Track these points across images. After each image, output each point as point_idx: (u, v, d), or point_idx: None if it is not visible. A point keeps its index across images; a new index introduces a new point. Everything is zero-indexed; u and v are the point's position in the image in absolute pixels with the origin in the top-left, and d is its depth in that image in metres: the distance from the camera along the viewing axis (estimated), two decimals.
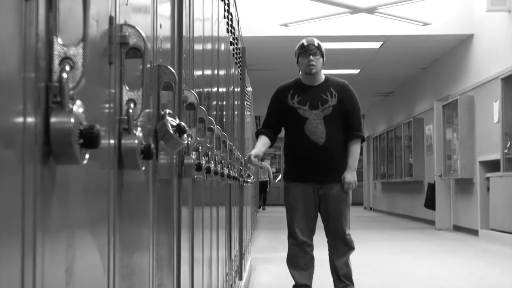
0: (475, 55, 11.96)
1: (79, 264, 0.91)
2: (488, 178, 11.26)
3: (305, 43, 4.72)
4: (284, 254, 4.86)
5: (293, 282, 4.79)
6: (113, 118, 1.10)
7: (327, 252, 4.80)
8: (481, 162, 11.53)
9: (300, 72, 4.81)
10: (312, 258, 4.73)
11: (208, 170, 2.23)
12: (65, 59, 0.77)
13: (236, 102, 5.52)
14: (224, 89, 3.98)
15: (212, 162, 2.44)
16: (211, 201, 2.92)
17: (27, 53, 0.71)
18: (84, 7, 0.79)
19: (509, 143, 10.08)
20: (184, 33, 1.94)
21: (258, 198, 21.30)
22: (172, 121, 1.41)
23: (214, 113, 3.06)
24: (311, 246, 4.70)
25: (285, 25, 11.63)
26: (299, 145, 4.67)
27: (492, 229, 10.98)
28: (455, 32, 11.87)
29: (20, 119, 0.70)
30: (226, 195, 4.16)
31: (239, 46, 5.74)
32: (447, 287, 6.27)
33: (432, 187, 14.02)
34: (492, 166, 11.03)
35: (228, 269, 4.07)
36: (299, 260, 4.69)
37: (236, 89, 5.50)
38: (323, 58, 4.75)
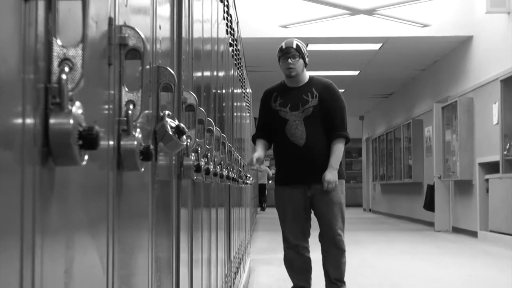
0: (474, 56, 11.97)
1: (78, 266, 0.91)
2: (487, 180, 11.26)
3: (283, 46, 4.68)
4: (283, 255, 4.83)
5: (291, 284, 4.78)
6: (112, 119, 1.10)
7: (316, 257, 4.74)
8: (480, 164, 11.53)
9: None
10: (309, 260, 4.68)
11: (207, 171, 2.23)
12: (65, 60, 0.77)
13: (235, 104, 5.51)
14: (224, 91, 3.98)
15: (211, 163, 2.44)
16: (210, 203, 2.91)
17: (26, 54, 0.71)
18: (83, 8, 0.79)
19: (508, 144, 10.08)
20: (183, 34, 1.94)
21: (257, 200, 21.30)
22: (171, 123, 1.41)
23: (213, 114, 3.06)
24: (306, 248, 4.66)
25: (285, 26, 11.63)
26: (282, 148, 4.66)
27: (491, 231, 10.97)
28: (455, 33, 11.87)
29: (19, 120, 0.70)
30: (225, 196, 4.16)
31: (239, 47, 5.74)
32: None
33: (431, 189, 14.01)
34: (491, 167, 11.03)
35: (227, 270, 4.07)
36: (295, 264, 4.66)
37: (235, 91, 5.50)
38: (303, 59, 4.68)
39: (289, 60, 4.63)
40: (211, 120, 2.42)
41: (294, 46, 4.65)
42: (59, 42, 0.77)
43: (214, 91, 3.18)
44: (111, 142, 1.09)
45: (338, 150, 4.63)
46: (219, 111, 3.52)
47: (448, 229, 13.50)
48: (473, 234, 11.78)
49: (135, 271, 1.32)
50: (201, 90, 2.51)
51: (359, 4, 11.52)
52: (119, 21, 1.15)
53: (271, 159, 28.88)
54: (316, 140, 4.59)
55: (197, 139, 2.03)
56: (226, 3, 4.11)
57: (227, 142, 3.39)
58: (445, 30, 11.76)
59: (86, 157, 0.80)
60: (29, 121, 0.72)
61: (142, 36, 1.15)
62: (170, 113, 1.44)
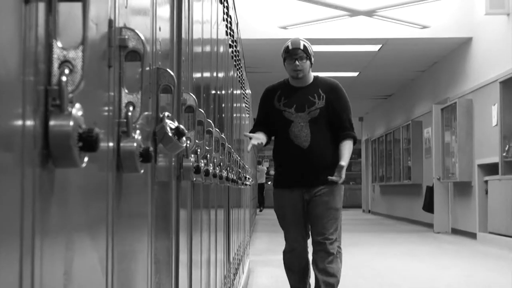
0: (473, 58, 11.97)
1: (77, 267, 0.91)
2: (486, 181, 11.26)
3: (290, 47, 4.49)
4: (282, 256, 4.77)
5: (290, 285, 4.71)
6: (112, 121, 1.10)
7: None
8: (480, 165, 11.53)
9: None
10: (307, 262, 4.57)
11: (206, 172, 2.23)
12: (65, 62, 0.77)
13: (235, 105, 5.52)
14: (223, 92, 3.98)
15: (211, 164, 2.44)
16: (209, 204, 2.92)
17: (27, 56, 0.71)
18: (83, 10, 0.79)
19: (507, 146, 10.09)
20: (183, 35, 1.94)
21: (256, 201, 21.31)
22: (171, 124, 1.41)
23: (213, 115, 3.06)
24: (305, 251, 4.55)
25: (284, 27, 11.63)
26: (284, 150, 4.49)
27: (490, 232, 10.98)
28: (454, 35, 11.88)
29: (20, 122, 0.70)
30: (224, 198, 4.16)
31: (238, 48, 5.74)
32: None
33: (430, 190, 14.02)
34: (490, 169, 11.03)
35: (226, 271, 4.07)
36: (294, 266, 4.56)
37: (235, 92, 5.50)
38: (310, 60, 4.51)
39: (296, 62, 4.46)
40: (211, 122, 2.42)
41: (301, 47, 4.47)
42: (59, 44, 0.77)
43: (213, 92, 3.18)
44: (111, 144, 1.09)
45: (349, 148, 4.47)
46: (219, 112, 3.52)
47: (447, 230, 13.51)
48: (472, 235, 11.78)
49: (135, 272, 1.32)
50: (201, 91, 2.51)
51: (358, 6, 11.53)
52: (119, 23, 1.15)
53: (270, 160, 28.89)
54: (320, 143, 4.44)
55: (197, 141, 2.03)
56: (225, 4, 4.11)
57: (226, 143, 3.39)
58: (445, 31, 11.77)
59: (86, 159, 0.80)
60: (29, 123, 0.72)
61: (142, 38, 1.15)
62: (170, 115, 1.44)
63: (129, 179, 1.22)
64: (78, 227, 0.94)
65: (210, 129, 2.37)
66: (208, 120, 2.34)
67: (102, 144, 0.98)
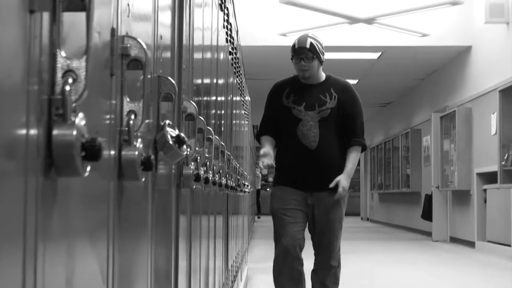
0: (473, 66, 11.99)
1: (79, 274, 0.92)
2: (485, 190, 11.27)
3: (296, 46, 4.25)
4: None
5: None
6: (114, 129, 1.10)
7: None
8: (478, 174, 11.54)
9: None
10: (300, 274, 4.20)
11: (206, 180, 2.24)
12: (68, 71, 0.77)
13: (234, 111, 5.52)
14: (223, 98, 3.98)
15: (211, 172, 2.44)
16: (208, 211, 2.92)
17: (31, 65, 0.72)
18: (87, 20, 0.80)
19: (506, 155, 10.10)
20: (184, 42, 1.95)
21: (255, 208, 21.30)
22: (172, 132, 1.42)
23: (213, 122, 3.07)
24: (299, 260, 4.18)
25: (284, 34, 11.65)
26: (290, 149, 4.24)
27: (488, 241, 10.98)
28: (453, 43, 11.90)
29: (23, 131, 0.71)
30: (223, 205, 4.16)
31: (238, 55, 5.75)
32: None
33: (429, 198, 14.03)
34: (489, 178, 11.04)
35: (224, 279, 4.07)
36: (285, 276, 4.17)
37: (234, 98, 5.51)
38: (319, 59, 4.26)
39: (302, 62, 4.22)
40: (211, 129, 2.42)
41: (308, 45, 4.21)
42: (63, 53, 0.78)
43: (213, 99, 3.18)
44: (112, 152, 1.10)
45: (356, 158, 4.27)
46: (218, 119, 3.52)
47: (445, 239, 13.50)
48: (471, 244, 11.78)
49: (135, 279, 1.32)
50: (201, 99, 2.52)
51: (358, 13, 11.55)
52: (122, 31, 1.15)
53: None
54: (328, 144, 4.21)
55: (197, 148, 2.04)
56: (226, 11, 4.12)
57: (226, 151, 3.39)
58: (444, 39, 11.80)
59: (88, 168, 0.80)
60: (32, 132, 0.72)
61: (144, 46, 1.15)
62: (171, 123, 1.45)
63: (130, 187, 1.22)
64: (80, 235, 0.94)
65: (210, 136, 2.38)
66: (208, 127, 2.34)
67: (104, 153, 0.98)
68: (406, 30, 11.69)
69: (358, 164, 28.76)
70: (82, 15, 0.81)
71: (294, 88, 4.33)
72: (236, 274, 5.42)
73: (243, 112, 7.36)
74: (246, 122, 8.82)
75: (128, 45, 1.13)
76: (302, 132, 4.21)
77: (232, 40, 4.72)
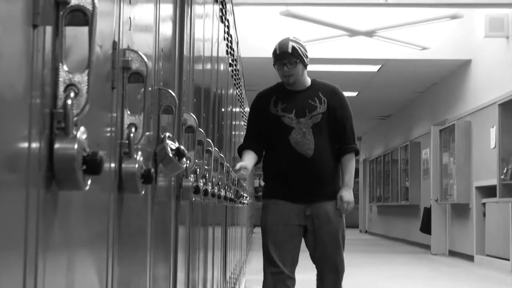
0: (472, 80, 12.02)
1: (78, 284, 0.92)
2: (484, 204, 11.26)
3: (277, 51, 4.04)
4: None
5: None
6: (114, 142, 1.11)
7: (308, 277, 4.15)
8: (477, 188, 11.53)
9: None
10: None
11: (205, 192, 2.24)
12: (70, 85, 0.78)
13: (234, 122, 5.53)
14: (223, 109, 3.99)
15: (210, 184, 2.44)
16: (207, 222, 2.92)
17: (34, 79, 0.72)
18: (90, 35, 0.80)
19: (505, 169, 10.10)
20: (184, 53, 1.96)
21: (253, 219, 21.26)
22: (172, 145, 1.42)
23: (212, 134, 3.07)
24: (292, 280, 3.94)
25: None
26: (284, 158, 3.98)
27: (487, 255, 10.96)
28: (453, 57, 11.93)
29: (25, 144, 0.71)
30: (222, 216, 4.16)
31: (238, 67, 5.76)
32: None
33: (428, 212, 14.01)
34: (488, 191, 11.03)
35: None
36: None
37: (234, 109, 5.52)
38: (303, 63, 4.04)
39: (285, 68, 4.01)
40: (210, 141, 2.43)
41: (290, 50, 4.01)
42: (65, 68, 0.78)
43: (213, 110, 3.19)
44: (113, 165, 1.10)
45: (352, 166, 4.08)
46: (218, 131, 3.53)
47: (444, 252, 13.48)
48: (470, 258, 11.76)
49: None
50: (201, 111, 2.53)
51: (358, 26, 11.58)
52: (123, 44, 1.16)
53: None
54: (324, 151, 4.00)
55: (196, 160, 2.04)
56: (226, 23, 4.14)
57: (225, 162, 3.40)
58: (444, 53, 11.82)
59: (89, 181, 0.81)
60: (34, 145, 0.73)
61: (145, 59, 1.16)
62: (171, 135, 1.45)
63: (130, 199, 1.22)
64: (80, 246, 0.94)
65: (210, 148, 2.38)
66: (208, 139, 2.35)
67: (105, 165, 0.99)
68: (406, 43, 11.71)
69: (357, 175, 28.55)
70: (84, 30, 0.81)
71: (280, 96, 4.10)
72: (234, 285, 5.41)
73: (242, 123, 7.37)
74: None
75: (130, 59, 1.14)
76: (296, 140, 3.98)
77: (232, 51, 4.73)
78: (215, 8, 3.33)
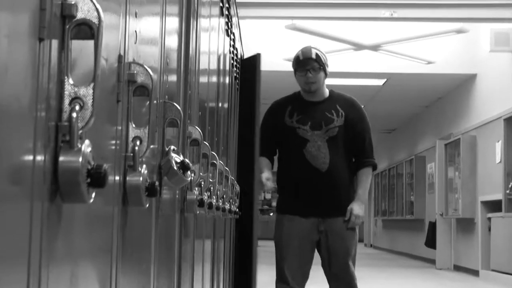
0: (478, 94, 12.01)
1: None
2: (489, 218, 11.22)
3: (300, 57, 4.03)
4: None
5: None
6: (119, 155, 1.11)
7: None
8: (483, 202, 11.50)
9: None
10: None
11: (210, 205, 2.24)
12: (75, 99, 0.78)
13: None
14: (228, 122, 3.99)
15: (214, 197, 2.44)
16: (212, 235, 2.91)
17: (39, 92, 0.73)
18: (95, 48, 0.81)
19: (511, 183, 10.07)
20: (190, 66, 1.97)
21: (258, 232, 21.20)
22: (176, 158, 1.43)
23: (217, 147, 3.07)
24: None
25: (289, 60, 11.68)
26: (298, 172, 3.92)
27: (493, 270, 10.91)
28: (459, 71, 11.93)
29: (30, 157, 0.71)
30: (227, 229, 4.15)
31: None
32: None
33: (433, 226, 13.97)
34: (493, 206, 11.00)
35: None
36: None
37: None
38: (324, 71, 4.02)
39: (309, 74, 3.95)
40: (215, 154, 2.43)
41: (314, 56, 3.99)
42: (70, 81, 0.79)
43: (218, 123, 3.19)
44: (117, 178, 1.10)
45: (367, 180, 4.00)
46: (223, 144, 3.53)
47: (449, 267, 13.43)
48: (475, 272, 11.71)
49: None
50: (206, 124, 2.53)
51: (363, 40, 11.60)
52: (129, 57, 1.17)
53: (273, 191, 28.86)
54: (339, 165, 3.91)
55: (201, 173, 2.04)
56: (232, 36, 4.15)
57: (230, 176, 3.40)
58: (449, 67, 11.82)
59: (93, 194, 0.81)
60: (39, 158, 0.73)
61: (151, 73, 1.16)
62: (175, 148, 1.46)
63: (134, 212, 1.22)
64: (84, 259, 0.94)
65: (214, 161, 2.38)
66: (213, 152, 2.35)
67: (109, 178, 0.99)
68: (411, 57, 11.72)
69: None
70: (90, 43, 0.82)
71: (296, 106, 4.02)
72: None
73: None
74: None
75: (135, 72, 1.14)
76: (311, 153, 3.91)
77: (238, 65, 4.74)
78: (221, 22, 3.35)
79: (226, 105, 3.82)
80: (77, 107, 0.78)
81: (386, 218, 20.82)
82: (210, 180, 2.34)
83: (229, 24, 3.85)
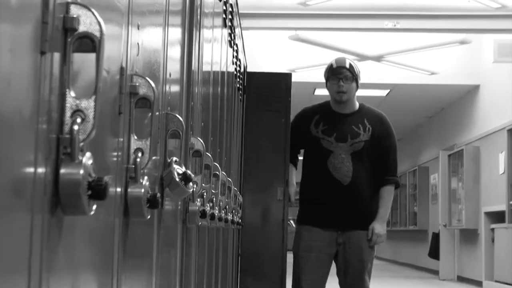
0: (481, 105, 12.01)
1: None
2: (493, 229, 11.20)
3: (334, 65, 4.02)
4: None
5: None
6: (121, 166, 1.11)
7: None
8: (486, 213, 11.48)
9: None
10: None
11: (212, 216, 2.24)
12: (77, 111, 0.79)
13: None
14: (231, 134, 3.99)
15: (217, 208, 2.44)
16: (215, 247, 2.91)
17: (41, 105, 0.73)
18: (97, 61, 0.81)
19: None
20: (192, 77, 1.97)
21: None
22: (178, 169, 1.43)
23: (220, 158, 3.07)
24: None
25: (293, 70, 11.70)
26: (319, 183, 3.91)
27: (496, 281, 10.87)
28: (462, 82, 11.93)
29: (31, 169, 0.72)
30: (230, 240, 4.15)
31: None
32: None
33: (436, 237, 13.94)
34: (497, 217, 10.98)
35: None
36: None
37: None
38: (357, 82, 4.05)
39: (341, 83, 3.94)
40: (218, 165, 2.43)
41: (347, 65, 4.02)
42: (72, 93, 0.79)
43: (221, 134, 3.19)
44: (119, 189, 1.10)
45: (390, 198, 3.97)
46: (226, 155, 3.53)
47: (453, 277, 13.39)
48: (478, 283, 11.67)
49: None
50: (208, 135, 2.53)
51: (367, 50, 11.61)
52: (131, 69, 1.17)
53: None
54: (362, 179, 3.89)
55: (203, 184, 2.04)
56: (235, 47, 4.16)
57: (232, 186, 3.39)
58: (453, 78, 11.82)
59: (94, 206, 0.81)
60: (40, 170, 0.73)
61: (153, 85, 1.17)
62: (178, 160, 1.46)
63: (136, 223, 1.22)
64: (85, 271, 0.94)
65: (217, 172, 2.38)
66: (215, 163, 2.35)
67: (110, 190, 0.99)
68: (414, 68, 11.73)
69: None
70: (92, 56, 0.82)
71: (324, 116, 4.00)
72: None
73: None
74: None
75: (137, 84, 1.14)
76: (334, 165, 3.89)
77: (241, 76, 4.75)
78: (224, 33, 3.35)
79: (229, 116, 3.82)
80: (78, 120, 0.78)
81: (389, 229, 20.73)
82: (213, 191, 2.34)
83: (232, 35, 3.85)
